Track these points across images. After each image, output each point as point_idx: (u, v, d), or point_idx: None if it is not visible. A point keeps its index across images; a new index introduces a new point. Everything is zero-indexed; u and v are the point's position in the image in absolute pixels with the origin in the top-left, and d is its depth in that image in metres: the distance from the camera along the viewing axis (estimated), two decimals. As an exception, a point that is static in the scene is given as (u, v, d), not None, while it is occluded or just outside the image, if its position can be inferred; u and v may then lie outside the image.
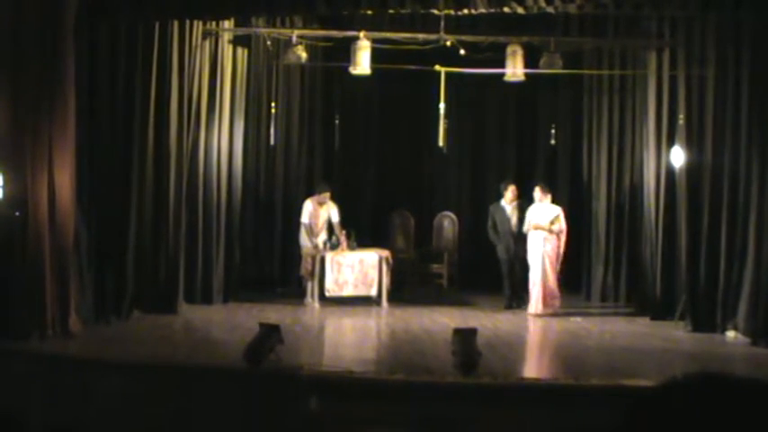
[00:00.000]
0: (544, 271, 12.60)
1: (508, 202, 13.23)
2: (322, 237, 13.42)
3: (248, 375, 8.39)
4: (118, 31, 11.06)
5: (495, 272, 13.79)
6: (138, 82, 11.28)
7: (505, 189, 13.32)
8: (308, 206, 13.41)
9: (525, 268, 13.01)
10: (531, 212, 12.86)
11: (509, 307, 13.15)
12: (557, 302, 12.76)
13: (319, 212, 13.47)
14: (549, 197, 12.92)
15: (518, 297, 13.20)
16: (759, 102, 10.62)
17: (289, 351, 9.00)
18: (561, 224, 12.80)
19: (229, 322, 11.49)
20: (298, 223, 13.63)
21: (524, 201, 13.26)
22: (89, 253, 10.70)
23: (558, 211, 12.88)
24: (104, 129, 11.07)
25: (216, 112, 12.66)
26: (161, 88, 11.52)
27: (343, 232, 13.18)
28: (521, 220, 13.06)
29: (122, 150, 11.29)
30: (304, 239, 13.45)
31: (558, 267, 12.83)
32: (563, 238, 12.82)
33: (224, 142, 12.84)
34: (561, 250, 12.81)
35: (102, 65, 10.98)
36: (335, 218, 13.42)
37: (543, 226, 12.68)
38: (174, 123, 11.70)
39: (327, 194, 13.52)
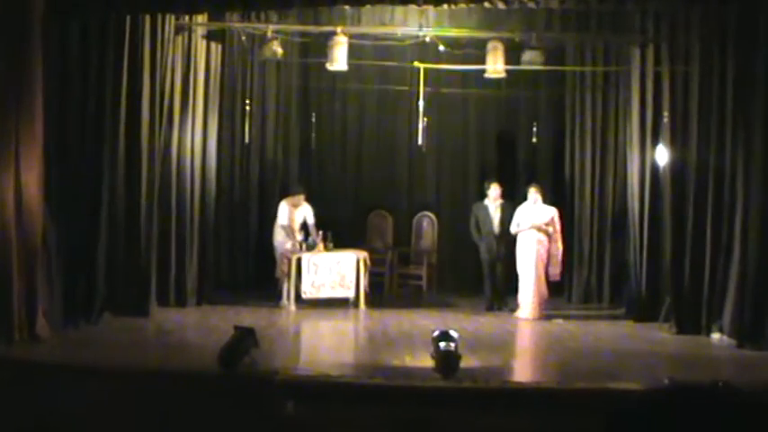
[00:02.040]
0: (537, 274, 12.61)
1: (492, 200, 13.22)
2: (298, 238, 13.38)
3: (223, 380, 8.36)
4: (88, 26, 10.97)
5: (475, 273, 13.87)
6: (109, 79, 11.19)
7: (488, 188, 13.33)
8: (284, 208, 13.41)
9: (508, 269, 13.05)
10: (522, 213, 12.85)
11: (490, 309, 13.15)
12: (543, 305, 12.75)
13: (294, 214, 13.47)
14: (540, 199, 12.89)
15: (499, 298, 13.21)
16: (744, 98, 10.64)
17: (264, 355, 8.98)
18: (556, 225, 12.83)
19: (203, 325, 11.47)
20: (272, 224, 13.61)
21: (507, 201, 13.28)
22: (58, 254, 10.58)
23: (553, 212, 12.88)
24: (74, 127, 10.97)
25: (189, 110, 12.60)
26: (132, 85, 11.43)
27: (320, 233, 13.14)
28: (503, 220, 13.08)
29: (93, 149, 11.20)
30: (279, 240, 13.44)
31: (559, 270, 12.87)
32: (559, 240, 12.85)
33: (197, 140, 12.77)
34: (560, 252, 12.84)
35: (71, 62, 10.88)
36: (311, 219, 13.45)
37: (539, 225, 12.67)
38: (146, 121, 11.61)
39: (302, 196, 13.53)
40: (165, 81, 11.94)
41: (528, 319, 12.55)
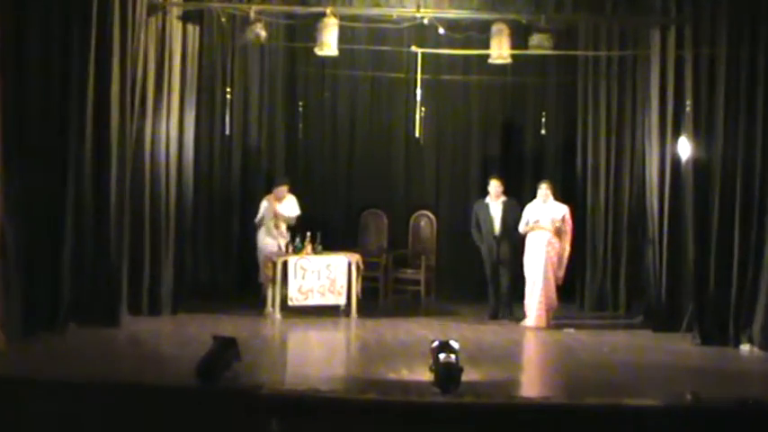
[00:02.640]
0: (546, 279, 12.62)
1: (493, 198, 13.20)
2: (285, 238, 13.40)
3: (201, 396, 8.35)
4: (51, 5, 10.89)
5: (478, 278, 13.84)
6: (75, 65, 11.13)
7: (490, 185, 13.31)
8: (265, 204, 13.51)
9: (512, 273, 13.07)
10: (532, 212, 12.88)
11: (494, 317, 13.14)
12: (552, 313, 12.78)
13: (278, 209, 13.54)
14: (551, 196, 12.91)
15: (503, 306, 13.21)
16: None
17: (247, 368, 9.01)
18: (567, 225, 12.85)
19: (180, 336, 11.45)
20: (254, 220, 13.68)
21: (511, 198, 13.26)
22: (17, 258, 10.50)
23: (564, 210, 12.90)
24: (35, 118, 10.89)
25: (164, 98, 12.53)
26: (101, 71, 11.35)
27: (307, 234, 13.10)
28: (505, 219, 13.09)
29: (57, 141, 11.12)
30: (263, 242, 13.47)
31: (562, 274, 12.88)
32: (568, 241, 12.89)
33: (173, 132, 12.71)
34: (566, 254, 12.87)
35: (32, 46, 10.80)
36: (295, 211, 13.57)
37: (546, 227, 12.68)
38: (116, 111, 11.54)
39: (285, 187, 13.59)
40: (136, 67, 11.88)
41: (536, 329, 12.55)
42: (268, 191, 13.93)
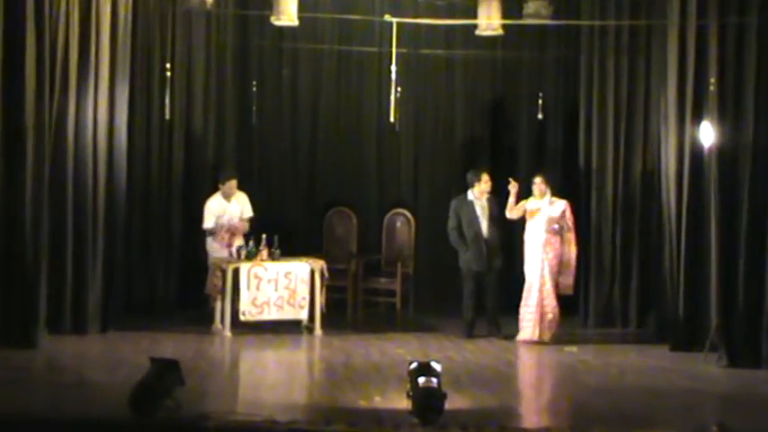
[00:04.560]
0: (542, 285, 12.68)
1: (478, 195, 13.23)
2: (236, 242, 13.38)
3: (136, 429, 8.31)
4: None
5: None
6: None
7: (476, 179, 13.28)
8: (213, 206, 13.51)
9: (499, 284, 13.20)
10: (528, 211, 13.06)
11: (470, 335, 13.15)
12: (554, 325, 12.81)
13: (227, 209, 13.54)
14: (549, 191, 12.98)
15: (491, 322, 13.26)
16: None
17: (191, 395, 8.98)
18: (568, 223, 12.91)
19: (110, 358, 11.41)
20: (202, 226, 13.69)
21: (494, 195, 13.30)
22: None
23: (563, 205, 12.97)
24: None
25: (90, 75, 12.46)
26: (12, 42, 11.32)
27: (263, 238, 13.10)
28: (494, 219, 13.16)
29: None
30: (212, 247, 13.51)
31: (572, 280, 13.00)
32: (572, 241, 12.95)
33: (101, 115, 12.65)
34: (573, 255, 12.94)
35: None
36: (248, 213, 13.59)
37: (544, 226, 12.76)
38: (31, 90, 11.51)
39: (234, 182, 13.60)
40: (56, 37, 11.84)
41: (532, 345, 12.59)
42: (213, 187, 13.88)
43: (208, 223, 13.43)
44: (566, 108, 15.21)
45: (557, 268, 12.79)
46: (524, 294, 12.80)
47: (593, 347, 12.63)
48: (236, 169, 14.01)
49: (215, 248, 13.46)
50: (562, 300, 12.93)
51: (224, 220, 13.45)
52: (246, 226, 13.52)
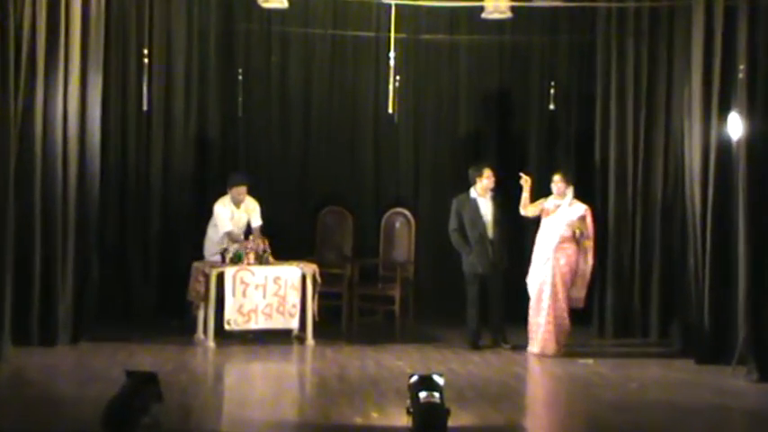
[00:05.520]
0: (554, 293, 12.67)
1: (482, 193, 13.25)
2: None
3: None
4: None
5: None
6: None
7: (478, 174, 13.33)
8: (224, 211, 13.56)
9: (506, 289, 13.22)
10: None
11: (475, 346, 13.18)
12: (563, 338, 12.84)
13: (237, 216, 13.67)
14: (571, 190, 12.98)
15: (496, 331, 13.29)
16: None
17: (171, 412, 9.04)
18: (587, 229, 12.93)
19: (82, 372, 11.39)
20: (184, 226, 13.98)
21: (498, 193, 13.32)
22: None
23: (582, 210, 12.98)
24: None
25: (60, 63, 12.43)
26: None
27: (265, 241, 13.24)
28: (498, 218, 13.18)
29: None
30: (210, 251, 13.55)
31: (584, 293, 13.03)
32: (590, 250, 12.96)
33: (72, 107, 12.62)
34: (589, 267, 12.97)
35: None
36: (256, 221, 13.67)
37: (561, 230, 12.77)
38: (-4, 77, 11.55)
39: (242, 188, 13.67)
40: (21, 19, 11.82)
41: (543, 358, 12.61)
42: (201, 185, 13.83)
43: (227, 227, 13.46)
44: (580, 98, 15.24)
45: (569, 277, 12.79)
46: (533, 306, 12.79)
47: (610, 360, 12.64)
48: (247, 175, 14.02)
49: (213, 252, 13.46)
50: (572, 310, 12.94)
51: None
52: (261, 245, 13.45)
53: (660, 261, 13.92)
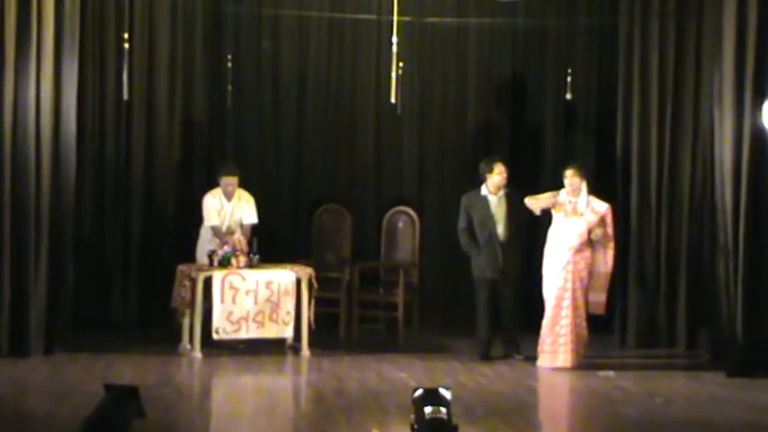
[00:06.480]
0: (574, 299, 12.67)
1: (493, 190, 13.24)
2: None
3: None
4: None
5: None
6: None
7: (489, 169, 13.29)
8: (211, 204, 13.64)
9: (519, 295, 13.28)
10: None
11: (485, 357, 13.19)
12: (582, 348, 12.84)
13: (228, 210, 13.72)
14: (584, 187, 12.95)
15: (509, 341, 13.31)
16: None
17: (154, 429, 9.05)
18: (608, 229, 12.92)
19: (56, 385, 11.36)
20: (168, 226, 14.07)
21: (512, 189, 13.29)
22: None
23: (603, 209, 12.98)
24: None
25: (32, 48, 12.43)
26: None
27: (242, 240, 13.26)
28: (511, 218, 13.16)
29: None
30: (202, 250, 13.58)
31: (605, 298, 13.00)
32: (610, 252, 12.95)
33: (45, 96, 12.60)
34: (609, 270, 12.95)
35: None
36: (249, 218, 13.74)
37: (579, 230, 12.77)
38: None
39: (231, 179, 13.73)
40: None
41: (559, 370, 12.61)
42: (186, 181, 13.80)
43: (213, 220, 13.53)
44: (600, 86, 15.26)
45: (588, 282, 12.79)
46: (549, 315, 12.72)
47: (632, 372, 12.62)
48: (237, 164, 14.05)
49: (203, 253, 13.47)
50: (591, 318, 12.95)
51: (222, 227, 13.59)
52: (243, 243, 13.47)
53: (687, 264, 13.91)
